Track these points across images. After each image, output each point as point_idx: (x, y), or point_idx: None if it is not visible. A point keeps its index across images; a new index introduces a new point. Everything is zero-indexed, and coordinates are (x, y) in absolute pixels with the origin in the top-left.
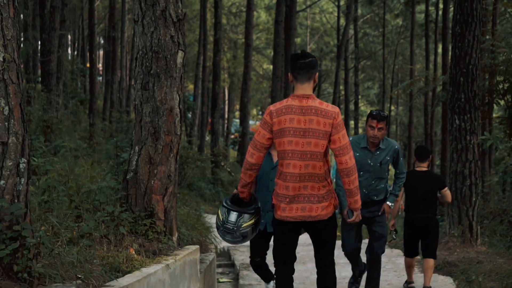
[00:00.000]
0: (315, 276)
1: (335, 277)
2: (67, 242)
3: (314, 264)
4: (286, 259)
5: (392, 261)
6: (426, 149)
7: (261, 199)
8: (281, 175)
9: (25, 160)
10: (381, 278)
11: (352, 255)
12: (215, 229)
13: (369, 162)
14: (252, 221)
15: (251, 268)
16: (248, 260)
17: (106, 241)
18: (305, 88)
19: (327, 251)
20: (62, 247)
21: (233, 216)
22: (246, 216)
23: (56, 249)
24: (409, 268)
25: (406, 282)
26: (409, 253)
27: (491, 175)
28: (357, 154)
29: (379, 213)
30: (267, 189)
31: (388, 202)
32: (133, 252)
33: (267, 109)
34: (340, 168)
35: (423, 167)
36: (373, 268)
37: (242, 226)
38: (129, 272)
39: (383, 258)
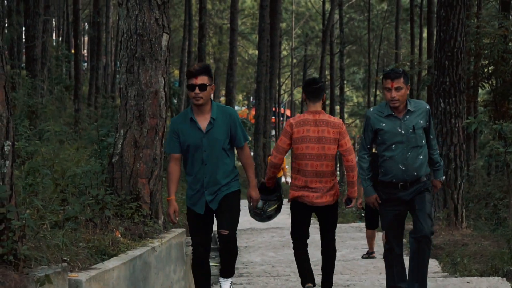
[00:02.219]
0: None
1: (335, 248)
2: (53, 225)
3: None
4: (303, 235)
5: (378, 244)
6: None
7: (196, 175)
8: (300, 172)
9: (10, 143)
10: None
11: (392, 234)
12: None
13: (399, 130)
14: (275, 206)
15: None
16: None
17: (92, 224)
18: (317, 106)
19: (330, 228)
20: (48, 230)
21: (260, 203)
22: (270, 203)
23: (42, 232)
24: (370, 239)
25: (367, 253)
26: (371, 225)
27: (476, 158)
28: (383, 124)
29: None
30: (201, 163)
31: (440, 178)
32: (119, 235)
33: (287, 121)
34: (346, 165)
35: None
36: (420, 253)
37: (268, 210)
38: (115, 255)
39: (363, 241)
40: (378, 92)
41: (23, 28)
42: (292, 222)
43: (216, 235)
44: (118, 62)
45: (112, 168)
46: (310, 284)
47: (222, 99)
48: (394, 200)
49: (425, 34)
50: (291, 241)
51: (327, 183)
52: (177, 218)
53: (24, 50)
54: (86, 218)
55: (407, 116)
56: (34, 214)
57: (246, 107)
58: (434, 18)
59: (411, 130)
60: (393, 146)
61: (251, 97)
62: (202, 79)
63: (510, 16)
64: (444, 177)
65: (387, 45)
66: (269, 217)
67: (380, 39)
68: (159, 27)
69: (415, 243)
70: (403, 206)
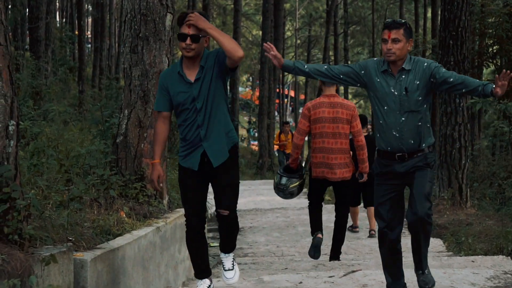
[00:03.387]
0: (305, 239)
1: (346, 221)
2: (57, 205)
3: (304, 228)
4: (318, 203)
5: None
6: (364, 117)
7: (191, 129)
8: (318, 149)
9: (14, 123)
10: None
11: (388, 236)
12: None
13: (392, 90)
14: (297, 183)
15: (242, 233)
16: (239, 225)
17: (97, 204)
18: (331, 90)
19: (345, 200)
20: (53, 210)
21: (283, 180)
22: (293, 180)
23: (47, 212)
24: (354, 215)
25: (351, 226)
26: (353, 203)
27: (481, 138)
28: (377, 80)
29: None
30: (195, 115)
31: (489, 89)
32: (124, 215)
33: (305, 105)
34: (356, 145)
35: (363, 132)
36: (417, 235)
37: (290, 186)
38: (120, 234)
39: (367, 221)
40: None
41: (27, 10)
42: (309, 189)
43: (214, 213)
44: (122, 43)
45: (117, 149)
46: (320, 235)
47: None
48: (389, 173)
49: (429, 14)
50: (295, 221)
51: (341, 160)
52: (161, 185)
53: (28, 32)
54: (91, 198)
55: (403, 76)
56: (39, 194)
57: (250, 88)
58: None
59: (404, 93)
60: (385, 108)
61: (252, 77)
62: (195, 29)
63: None
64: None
65: None
66: (291, 193)
67: (385, 19)
68: (163, 6)
69: (410, 227)
70: (399, 180)
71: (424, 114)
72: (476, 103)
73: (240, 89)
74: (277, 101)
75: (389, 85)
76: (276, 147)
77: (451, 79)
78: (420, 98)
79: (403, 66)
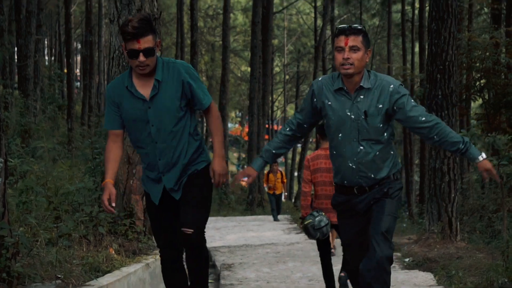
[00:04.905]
0: (295, 275)
1: None
2: (46, 242)
3: (294, 263)
4: (327, 247)
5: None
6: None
7: (148, 158)
8: (319, 196)
9: (2, 160)
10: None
11: (352, 253)
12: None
13: (348, 114)
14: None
15: (232, 269)
16: (229, 261)
17: (86, 241)
18: (328, 143)
19: None
20: (41, 247)
21: (324, 218)
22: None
23: (35, 249)
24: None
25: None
26: None
27: (470, 172)
28: (329, 102)
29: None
30: (151, 141)
31: (478, 157)
32: (113, 252)
33: (305, 158)
34: None
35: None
36: (374, 279)
37: (328, 223)
38: (109, 271)
39: None
40: None
41: (15, 48)
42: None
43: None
44: (110, 80)
45: None
46: (343, 273)
47: None
48: (349, 210)
49: (417, 49)
50: (285, 256)
51: None
52: (113, 204)
53: (16, 70)
54: (79, 235)
55: (361, 96)
56: (27, 232)
57: (239, 124)
58: (425, 32)
59: (362, 117)
60: (340, 135)
61: (242, 113)
62: (147, 41)
63: (501, 29)
64: (483, 155)
65: (379, 60)
66: (328, 231)
67: (372, 54)
68: None
69: (362, 277)
70: (361, 216)
71: (387, 143)
72: (464, 136)
73: (230, 125)
74: (266, 136)
75: (344, 108)
76: (265, 184)
77: (423, 119)
78: (381, 125)
79: (361, 84)
